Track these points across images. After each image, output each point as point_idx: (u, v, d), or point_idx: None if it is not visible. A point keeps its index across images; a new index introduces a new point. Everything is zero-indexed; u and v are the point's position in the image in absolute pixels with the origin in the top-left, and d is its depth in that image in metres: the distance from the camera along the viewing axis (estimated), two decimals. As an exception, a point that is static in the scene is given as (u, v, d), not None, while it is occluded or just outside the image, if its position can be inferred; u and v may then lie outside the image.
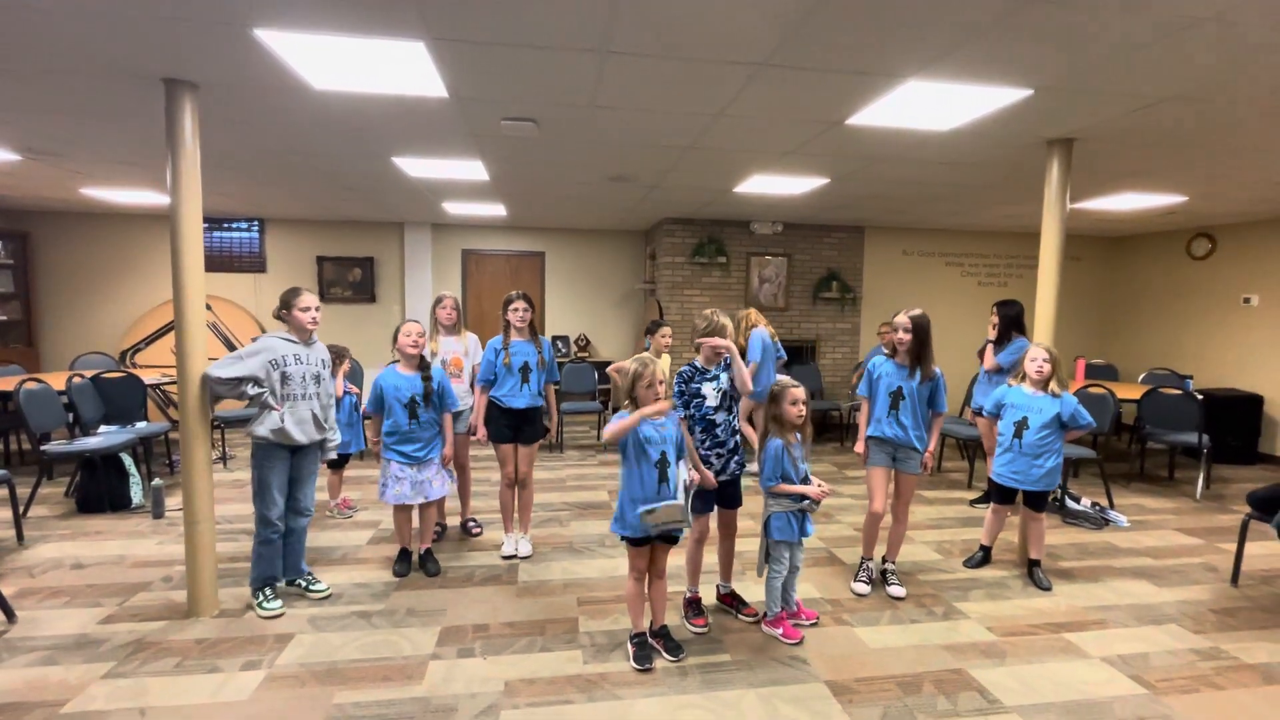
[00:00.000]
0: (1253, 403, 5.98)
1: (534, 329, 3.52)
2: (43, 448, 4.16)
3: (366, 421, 4.07)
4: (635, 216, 6.70)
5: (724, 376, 2.80)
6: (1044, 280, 3.48)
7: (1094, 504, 4.41)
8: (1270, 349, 6.04)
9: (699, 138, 3.58)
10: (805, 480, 2.74)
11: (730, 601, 2.99)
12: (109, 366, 6.00)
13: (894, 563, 3.25)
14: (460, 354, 3.73)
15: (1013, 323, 4.11)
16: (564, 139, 3.68)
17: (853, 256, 7.12)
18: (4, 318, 6.50)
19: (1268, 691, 2.42)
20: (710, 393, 2.76)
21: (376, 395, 3.20)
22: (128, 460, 4.27)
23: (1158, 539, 4.01)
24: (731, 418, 2.82)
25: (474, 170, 4.48)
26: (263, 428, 2.78)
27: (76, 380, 4.67)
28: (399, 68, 2.59)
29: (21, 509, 3.82)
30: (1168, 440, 5.08)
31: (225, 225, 7.09)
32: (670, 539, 2.50)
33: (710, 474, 2.70)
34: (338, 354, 3.95)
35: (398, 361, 3.25)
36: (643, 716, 2.20)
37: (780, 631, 2.73)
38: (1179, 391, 5.07)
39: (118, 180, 5.01)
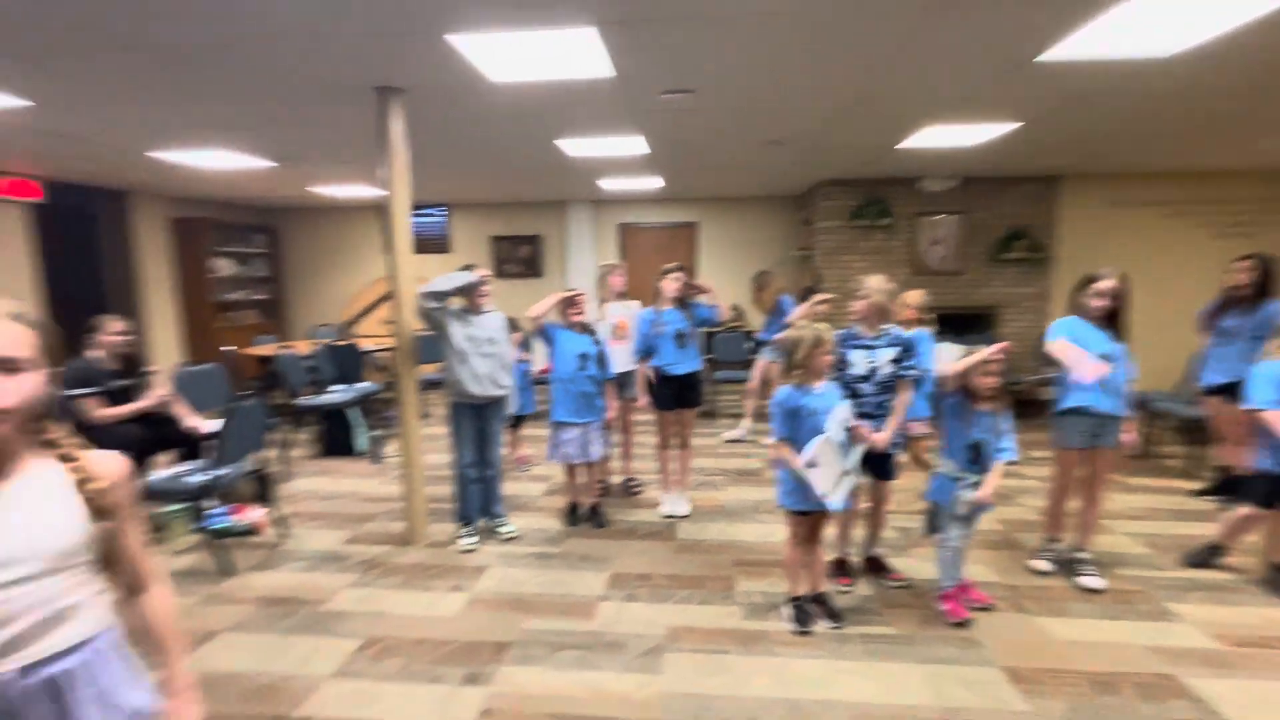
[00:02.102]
0: None
1: (683, 299, 3.61)
2: (294, 401, 5.14)
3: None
4: (790, 181, 6.49)
5: (885, 348, 2.69)
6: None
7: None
8: None
9: (865, 92, 3.38)
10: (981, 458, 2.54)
11: (876, 567, 2.96)
12: (336, 336, 7.17)
13: (1088, 550, 2.93)
14: (628, 319, 3.93)
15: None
16: (721, 106, 3.67)
17: (1044, 211, 6.27)
18: (263, 297, 8.02)
19: None
20: (859, 361, 2.68)
21: (549, 343, 3.46)
22: (353, 414, 5.12)
23: None
24: (882, 392, 2.70)
25: (634, 145, 4.63)
26: (454, 387, 3.20)
27: (316, 347, 5.66)
28: (570, 54, 2.76)
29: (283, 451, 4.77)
30: None
31: (418, 212, 8.04)
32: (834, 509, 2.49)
33: (867, 429, 2.58)
34: (512, 324, 4.37)
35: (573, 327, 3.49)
36: (801, 675, 2.26)
37: (947, 608, 2.61)
38: None
39: (338, 178, 5.91)
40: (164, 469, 3.41)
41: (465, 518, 3.36)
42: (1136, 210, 6.28)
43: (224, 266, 7.32)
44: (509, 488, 4.19)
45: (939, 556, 2.66)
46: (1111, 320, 2.77)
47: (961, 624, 2.56)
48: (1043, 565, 2.98)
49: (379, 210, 7.83)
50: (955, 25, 2.51)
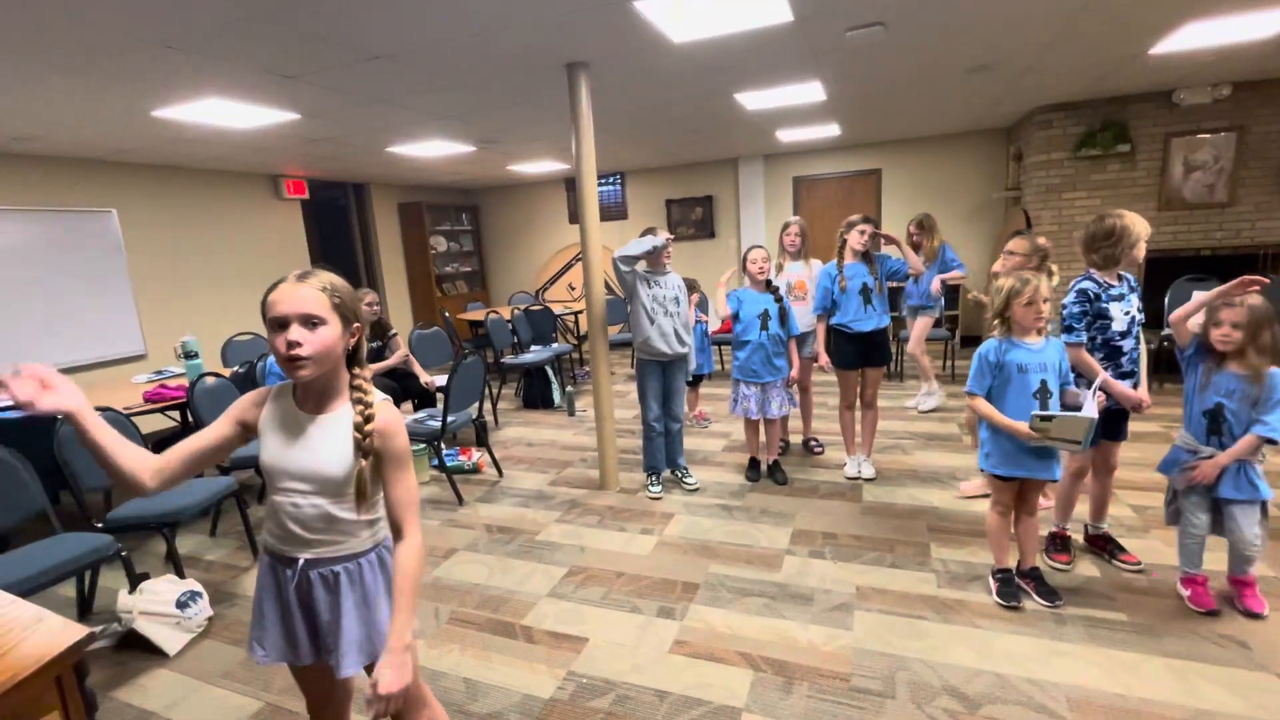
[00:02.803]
0: None
1: (868, 255, 3.40)
2: (500, 360, 5.82)
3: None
4: (994, 113, 5.70)
5: (1133, 298, 2.34)
6: None
7: None
8: None
9: (1103, -7, 2.84)
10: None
11: (1101, 545, 2.62)
12: (530, 301, 7.92)
13: None
14: (806, 279, 3.84)
15: None
16: (916, 36, 3.33)
17: (1368, 114, 4.80)
18: (470, 269, 9.08)
19: None
20: (1118, 314, 2.33)
21: (735, 309, 3.48)
22: (550, 371, 5.65)
23: None
24: (1136, 343, 2.35)
25: (811, 92, 4.40)
26: (642, 345, 3.39)
27: (516, 312, 6.32)
28: (748, 3, 2.69)
29: (494, 403, 5.45)
30: None
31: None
32: (1048, 478, 2.26)
33: (1135, 393, 2.32)
34: (690, 285, 4.47)
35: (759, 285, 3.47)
36: (1009, 651, 2.11)
37: (1189, 593, 2.25)
38: None
39: (530, 155, 6.42)
40: (408, 416, 4.09)
41: (652, 468, 3.59)
42: None
43: (439, 243, 8.39)
44: (690, 443, 4.37)
45: (1179, 541, 2.28)
46: None
47: (1210, 613, 2.19)
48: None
49: (567, 183, 8.40)
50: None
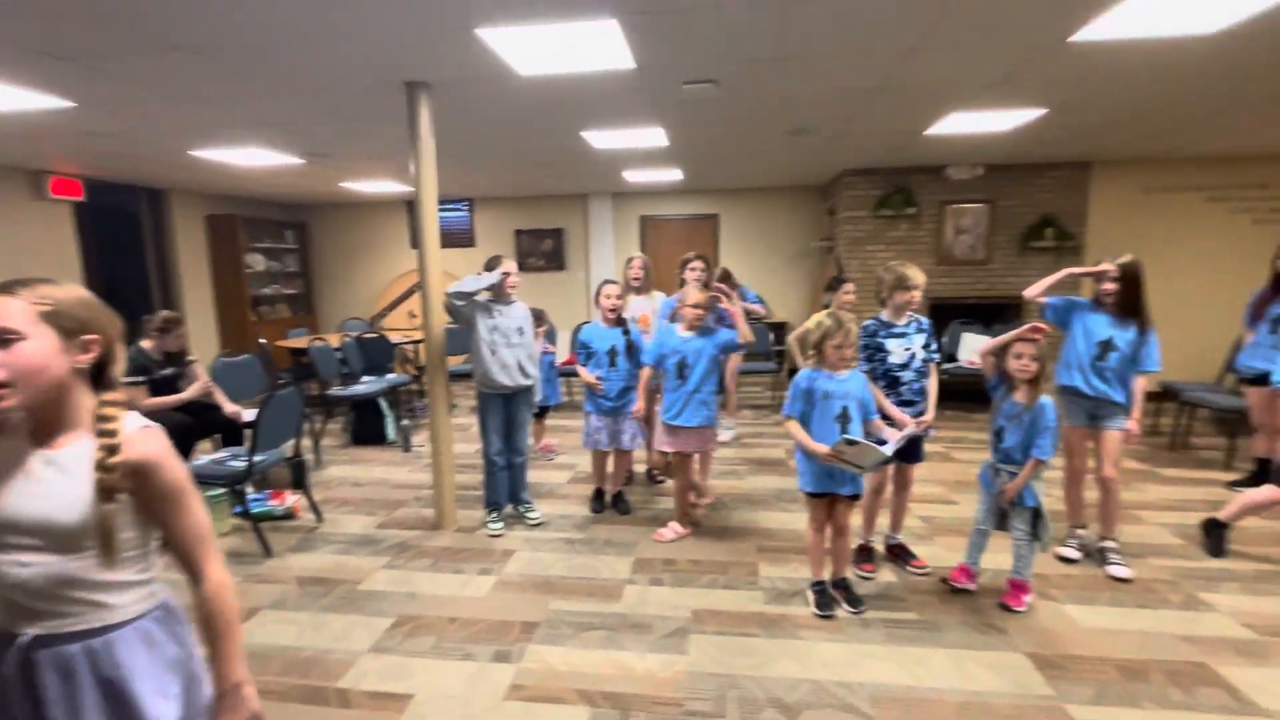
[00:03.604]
0: None
1: (708, 285, 3.64)
2: (326, 392, 5.29)
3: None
4: (813, 171, 6.45)
5: (915, 334, 2.72)
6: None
7: None
8: None
9: (889, 77, 3.35)
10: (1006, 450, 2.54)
11: (898, 553, 2.97)
12: (364, 329, 7.34)
13: (1115, 540, 2.91)
14: (649, 312, 3.97)
15: None
16: (743, 96, 3.67)
17: (1074, 198, 6.14)
18: (293, 291, 8.22)
19: None
20: (896, 349, 2.70)
21: (583, 345, 3.53)
22: (383, 404, 5.24)
23: None
24: (919, 377, 2.73)
25: (655, 137, 4.66)
26: (482, 377, 3.27)
27: (346, 340, 5.81)
28: (593, 46, 2.79)
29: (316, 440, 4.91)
30: None
31: (442, 206, 8.16)
32: (851, 495, 2.52)
33: (906, 415, 2.66)
34: (537, 316, 4.44)
35: (611, 320, 3.53)
36: (824, 658, 2.28)
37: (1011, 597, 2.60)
38: None
39: (367, 173, 6.03)
40: (206, 455, 3.54)
41: (493, 504, 3.44)
42: (1171, 196, 6.11)
43: (256, 261, 7.52)
44: (534, 475, 4.26)
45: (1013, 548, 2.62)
46: (1124, 306, 2.74)
47: (963, 591, 2.67)
48: (1069, 553, 2.96)
49: (408, 205, 7.99)
50: (985, 6, 2.49)
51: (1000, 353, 2.56)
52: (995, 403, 2.61)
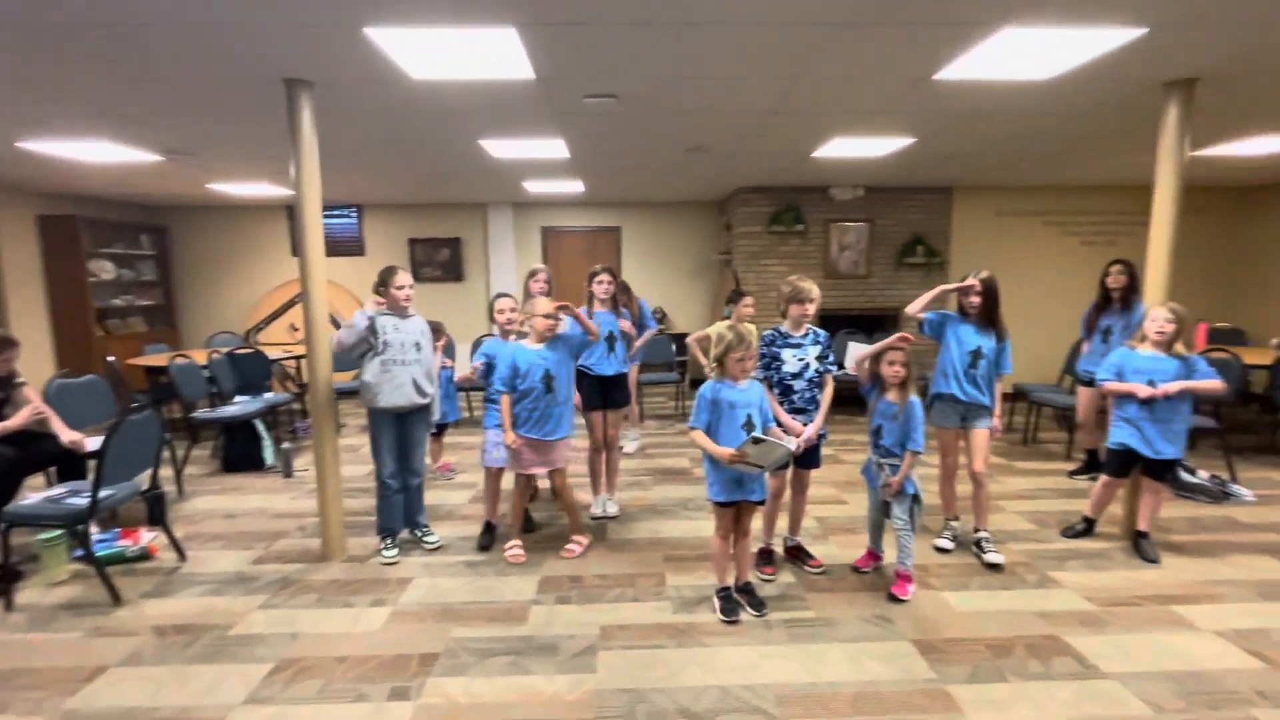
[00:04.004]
0: None
1: (616, 300, 3.67)
2: (191, 415, 4.76)
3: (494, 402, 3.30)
4: (711, 187, 6.68)
5: (810, 346, 2.86)
6: (1157, 237, 3.24)
7: (1213, 477, 4.10)
8: None
9: (779, 102, 3.54)
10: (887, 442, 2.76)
11: (796, 554, 3.11)
12: (238, 344, 6.69)
13: (986, 530, 3.20)
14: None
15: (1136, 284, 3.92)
16: (644, 113, 3.74)
17: (940, 219, 6.79)
18: (150, 302, 7.36)
19: None
20: (790, 359, 2.83)
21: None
22: (260, 426, 4.80)
23: (1287, 514, 3.71)
24: (811, 386, 2.87)
25: (555, 149, 4.63)
26: (374, 396, 3.07)
27: (215, 356, 5.26)
28: (490, 54, 2.73)
29: (178, 468, 4.40)
30: (1304, 409, 4.62)
31: (328, 212, 7.65)
32: (758, 501, 2.60)
33: (797, 423, 2.80)
34: (435, 329, 4.25)
35: (509, 335, 3.31)
36: (730, 662, 2.33)
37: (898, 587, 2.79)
38: (1320, 356, 4.58)
39: (239, 175, 5.53)
40: (38, 493, 3.06)
41: (387, 530, 3.23)
42: (1018, 219, 6.92)
43: (104, 269, 6.67)
44: (432, 497, 4.06)
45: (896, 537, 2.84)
46: (986, 317, 3.07)
47: (862, 572, 2.96)
48: (944, 544, 3.24)
49: (288, 210, 7.42)
50: (860, 43, 2.69)
51: (875, 360, 2.80)
52: (871, 405, 2.84)
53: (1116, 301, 4.00)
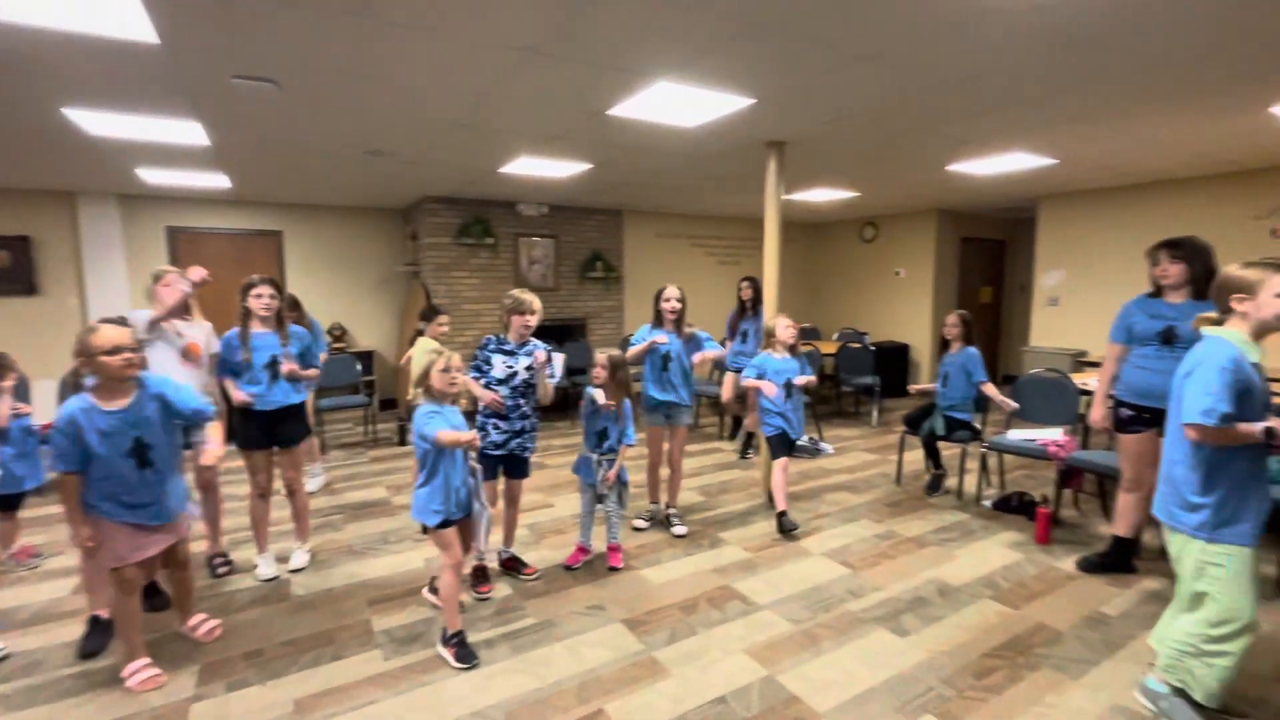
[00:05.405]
0: (903, 351, 7.97)
1: (281, 318, 3.13)
2: None
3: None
4: (392, 194, 6.26)
5: (523, 356, 2.90)
6: (769, 259, 4.21)
7: (810, 438, 5.49)
8: (912, 309, 8.09)
9: (465, 116, 3.52)
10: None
11: (512, 565, 3.15)
12: None
13: (676, 506, 3.73)
14: (198, 340, 3.12)
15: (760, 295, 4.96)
16: (313, 107, 3.31)
17: (614, 238, 7.61)
18: None
19: (922, 553, 3.36)
20: (499, 364, 2.87)
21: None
22: None
23: (852, 459, 5.19)
24: (516, 395, 2.92)
25: (188, 133, 3.76)
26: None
27: None
28: (92, 1, 2.09)
29: None
30: (854, 383, 6.54)
31: None
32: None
33: (490, 394, 2.88)
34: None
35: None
36: (456, 693, 2.23)
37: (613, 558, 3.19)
38: (859, 345, 6.57)
39: None
40: None
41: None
42: (673, 240, 8.19)
43: None
44: (12, 596, 2.94)
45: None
46: (677, 325, 3.59)
47: (572, 569, 3.17)
48: (641, 524, 3.67)
49: None
50: (545, 73, 2.85)
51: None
52: (583, 411, 3.17)
53: (749, 309, 5.04)
